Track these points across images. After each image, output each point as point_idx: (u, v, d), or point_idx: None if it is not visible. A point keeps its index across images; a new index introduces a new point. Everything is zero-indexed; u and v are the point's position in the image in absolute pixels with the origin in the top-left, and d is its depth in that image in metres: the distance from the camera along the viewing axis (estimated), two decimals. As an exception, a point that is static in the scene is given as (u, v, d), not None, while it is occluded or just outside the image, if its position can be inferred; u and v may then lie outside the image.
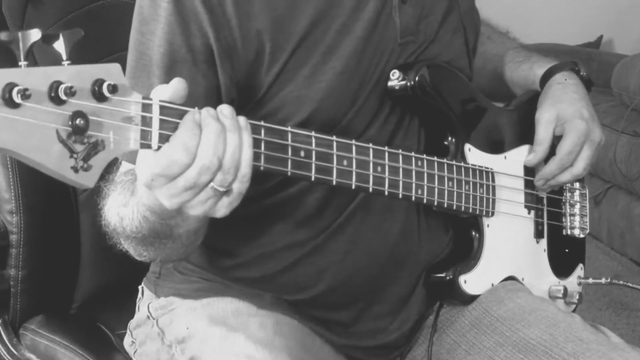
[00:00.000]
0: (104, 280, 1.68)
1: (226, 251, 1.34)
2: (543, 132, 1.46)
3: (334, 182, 1.14)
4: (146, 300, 1.43)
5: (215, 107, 1.00)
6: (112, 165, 1.08)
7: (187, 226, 1.10)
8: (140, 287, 1.46)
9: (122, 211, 1.12)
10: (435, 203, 1.30)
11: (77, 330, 1.60)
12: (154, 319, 1.38)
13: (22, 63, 0.85)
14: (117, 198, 1.14)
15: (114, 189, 1.15)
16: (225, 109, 0.99)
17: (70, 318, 1.65)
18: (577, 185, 1.61)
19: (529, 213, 1.50)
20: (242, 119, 1.00)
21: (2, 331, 1.57)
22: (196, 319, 1.32)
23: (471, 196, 1.36)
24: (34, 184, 1.54)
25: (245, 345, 1.24)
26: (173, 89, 0.97)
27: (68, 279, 1.65)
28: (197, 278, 1.36)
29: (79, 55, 0.90)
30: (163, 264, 1.39)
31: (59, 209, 1.61)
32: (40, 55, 1.38)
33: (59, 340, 1.55)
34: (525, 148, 1.50)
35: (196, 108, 0.98)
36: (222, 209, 1.01)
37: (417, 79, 1.29)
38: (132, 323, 1.45)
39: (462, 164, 1.35)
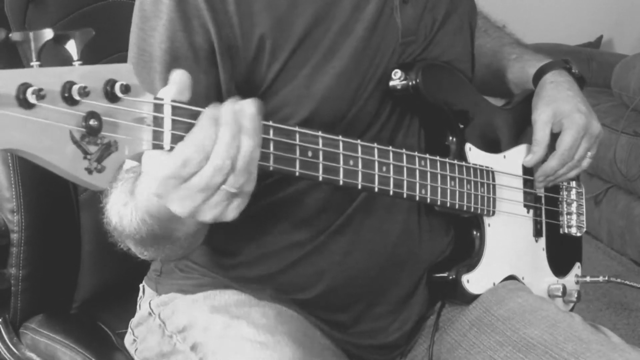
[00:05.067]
0: (105, 279, 1.68)
1: (227, 251, 1.34)
2: (540, 133, 1.47)
3: (341, 182, 1.14)
4: (147, 298, 1.43)
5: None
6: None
7: (185, 229, 1.10)
8: (141, 286, 1.47)
9: (122, 211, 1.11)
10: (438, 202, 1.31)
11: (78, 329, 1.60)
12: (155, 314, 1.38)
13: (35, 63, 0.84)
14: (118, 197, 1.13)
15: (116, 187, 1.15)
16: (248, 109, 0.96)
17: (70, 317, 1.65)
18: (573, 183, 1.61)
19: (528, 212, 1.51)
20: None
21: (2, 330, 1.57)
22: (198, 310, 1.32)
23: (473, 195, 1.36)
24: (35, 183, 1.54)
25: (248, 330, 1.24)
26: (177, 83, 0.95)
27: (69, 278, 1.65)
28: (198, 276, 1.37)
29: (80, 56, 0.90)
30: (164, 263, 1.39)
31: (59, 208, 1.61)
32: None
33: (60, 339, 1.55)
34: (523, 147, 1.50)
35: (214, 104, 0.96)
36: (232, 211, 0.99)
37: (418, 78, 1.30)
38: (133, 321, 1.45)
39: (463, 163, 1.36)
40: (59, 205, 1.61)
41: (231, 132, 0.94)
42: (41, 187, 1.56)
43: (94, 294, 1.67)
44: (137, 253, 1.19)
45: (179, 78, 0.95)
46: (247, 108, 0.96)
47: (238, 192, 0.97)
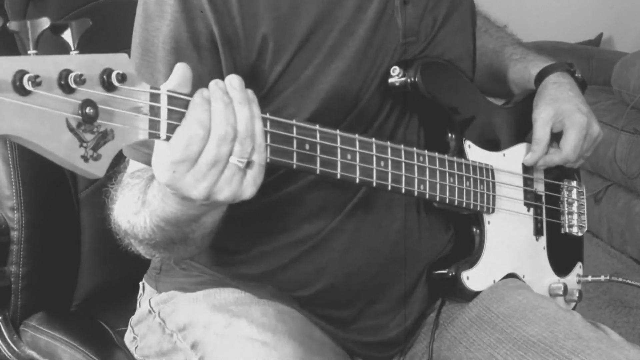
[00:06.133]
0: (105, 277, 1.68)
1: (227, 248, 1.34)
2: (541, 131, 1.47)
3: (339, 176, 1.14)
4: (147, 296, 1.43)
5: None
6: (120, 159, 1.07)
7: (202, 230, 1.11)
8: (141, 284, 1.47)
9: (133, 219, 1.12)
10: (437, 199, 1.31)
11: (78, 327, 1.60)
12: (155, 312, 1.38)
13: (32, 52, 0.85)
14: (127, 205, 1.14)
15: (122, 193, 1.16)
16: (234, 81, 1.00)
17: (70, 315, 1.65)
18: (574, 183, 1.61)
19: (528, 210, 1.51)
20: (249, 91, 1.01)
21: (2, 328, 1.57)
22: (198, 308, 1.32)
23: (472, 192, 1.36)
24: (35, 181, 1.54)
25: (249, 329, 1.24)
26: (179, 76, 0.96)
27: (69, 276, 1.64)
28: (198, 273, 1.37)
29: (77, 47, 0.90)
30: (176, 263, 1.39)
31: (60, 206, 1.61)
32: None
33: (60, 337, 1.55)
34: (523, 146, 1.51)
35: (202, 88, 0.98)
36: (249, 187, 1.00)
37: (417, 75, 1.30)
38: (133, 319, 1.45)
39: (462, 160, 1.36)
40: (59, 203, 1.61)
41: (223, 103, 0.97)
42: (41, 184, 1.56)
43: (94, 291, 1.67)
44: (147, 256, 1.20)
45: (181, 71, 0.97)
46: (232, 81, 0.99)
47: (248, 162, 0.99)
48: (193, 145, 0.95)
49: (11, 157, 1.52)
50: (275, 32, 1.21)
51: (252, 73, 1.21)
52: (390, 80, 1.31)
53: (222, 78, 1.17)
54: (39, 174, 1.54)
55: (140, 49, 1.20)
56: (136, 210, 1.12)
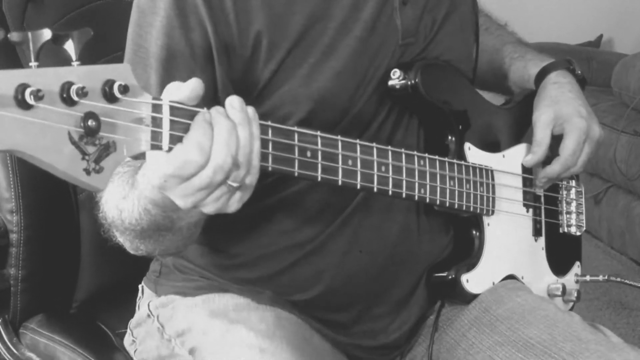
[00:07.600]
0: (104, 279, 1.68)
1: (226, 252, 1.34)
2: (541, 134, 1.47)
3: (340, 182, 1.14)
4: (146, 299, 1.43)
5: (213, 103, 0.99)
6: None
7: (189, 218, 1.10)
8: (140, 286, 1.46)
9: (121, 204, 1.11)
10: (438, 202, 1.30)
11: (77, 329, 1.60)
12: (154, 316, 1.38)
13: (33, 64, 0.84)
14: (116, 190, 1.12)
15: (112, 181, 1.14)
16: (235, 102, 0.98)
17: (70, 317, 1.65)
18: (572, 183, 1.62)
19: (527, 211, 1.51)
20: (250, 110, 1.00)
21: (2, 330, 1.57)
22: (197, 314, 1.32)
23: (472, 195, 1.36)
24: (34, 184, 1.54)
25: (247, 335, 1.24)
26: (190, 90, 0.95)
27: (68, 278, 1.64)
28: (198, 277, 1.37)
29: (78, 55, 0.90)
30: (160, 257, 1.38)
31: (59, 208, 1.61)
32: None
33: (59, 339, 1.55)
34: (522, 147, 1.50)
35: (205, 108, 0.96)
36: (235, 204, 1.01)
37: (417, 78, 1.30)
38: (132, 322, 1.45)
39: (462, 162, 1.35)
40: (58, 206, 1.61)
41: (227, 129, 0.95)
42: (40, 187, 1.56)
43: (93, 294, 1.67)
44: (132, 249, 1.18)
45: (194, 85, 0.96)
46: (233, 102, 0.98)
47: (240, 185, 0.98)
48: (188, 169, 0.94)
49: (10, 159, 1.52)
50: (270, 29, 1.20)
51: (247, 71, 1.20)
52: (390, 82, 1.30)
53: (216, 76, 1.16)
54: (38, 177, 1.54)
55: (133, 45, 1.19)
56: (124, 194, 1.10)
